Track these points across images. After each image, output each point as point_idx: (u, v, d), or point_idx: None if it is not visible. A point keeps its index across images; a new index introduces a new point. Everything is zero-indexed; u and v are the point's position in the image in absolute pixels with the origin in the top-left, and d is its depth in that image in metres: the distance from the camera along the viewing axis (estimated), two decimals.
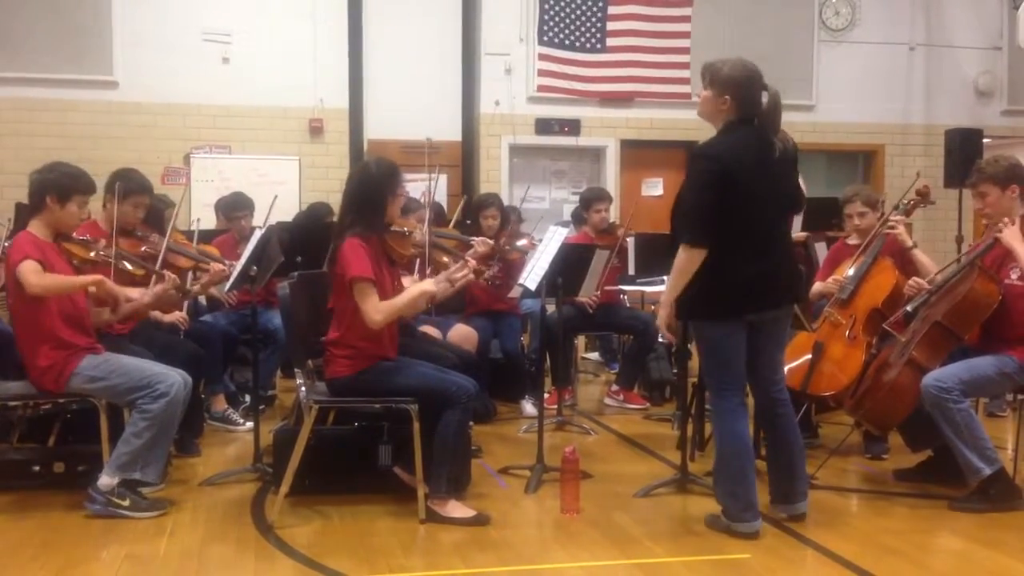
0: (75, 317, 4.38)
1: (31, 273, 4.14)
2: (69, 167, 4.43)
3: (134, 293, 4.61)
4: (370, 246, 4.21)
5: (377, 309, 4.10)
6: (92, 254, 4.57)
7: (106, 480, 4.22)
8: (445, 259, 5.64)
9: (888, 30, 11.94)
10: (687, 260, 3.86)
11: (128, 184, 5.07)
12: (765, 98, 3.93)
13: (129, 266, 4.82)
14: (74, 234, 4.57)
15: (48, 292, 4.21)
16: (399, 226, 4.49)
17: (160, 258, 5.03)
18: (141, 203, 5.20)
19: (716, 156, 3.87)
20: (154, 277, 4.81)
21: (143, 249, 5.12)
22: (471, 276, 4.59)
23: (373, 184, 4.31)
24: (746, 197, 3.82)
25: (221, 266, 5.41)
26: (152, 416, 4.23)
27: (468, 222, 7.06)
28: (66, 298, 4.32)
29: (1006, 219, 4.49)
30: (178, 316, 5.56)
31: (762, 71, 3.99)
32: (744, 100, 3.90)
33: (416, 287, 4.30)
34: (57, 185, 4.32)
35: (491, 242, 6.15)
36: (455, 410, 4.14)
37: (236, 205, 6.77)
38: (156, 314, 5.41)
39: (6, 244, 5.46)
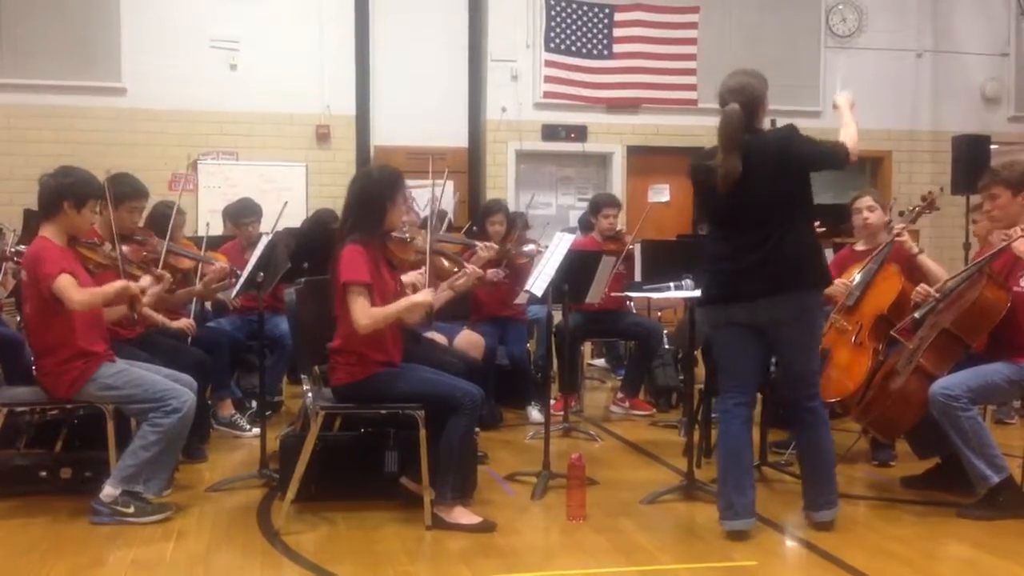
0: (93, 323, 4.38)
1: (72, 289, 4.13)
2: (83, 172, 4.44)
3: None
4: (370, 251, 4.21)
5: (365, 314, 4.08)
6: (101, 257, 4.58)
7: (109, 491, 4.21)
8: (447, 264, 5.63)
9: (895, 36, 11.94)
10: None
11: (122, 189, 5.05)
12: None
13: (132, 268, 4.83)
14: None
15: (87, 308, 4.21)
16: (401, 231, 4.49)
17: (161, 260, 5.04)
18: (137, 208, 5.20)
19: (690, 160, 4.31)
20: (151, 280, 4.84)
21: (144, 253, 5.13)
22: (472, 282, 4.58)
23: (373, 190, 4.31)
24: (698, 198, 4.30)
25: (223, 265, 5.43)
26: (163, 430, 4.24)
27: (474, 228, 7.06)
28: None
29: (1018, 228, 4.46)
30: (185, 323, 5.56)
31: (768, 77, 4.10)
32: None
33: (410, 299, 4.26)
34: (74, 190, 4.32)
35: (496, 247, 6.14)
36: (461, 416, 4.13)
37: (244, 211, 6.78)
38: (163, 320, 5.42)
39: (13, 250, 5.48)
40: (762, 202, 3.99)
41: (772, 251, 3.98)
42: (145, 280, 4.62)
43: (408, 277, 4.67)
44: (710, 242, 4.21)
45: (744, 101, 4.00)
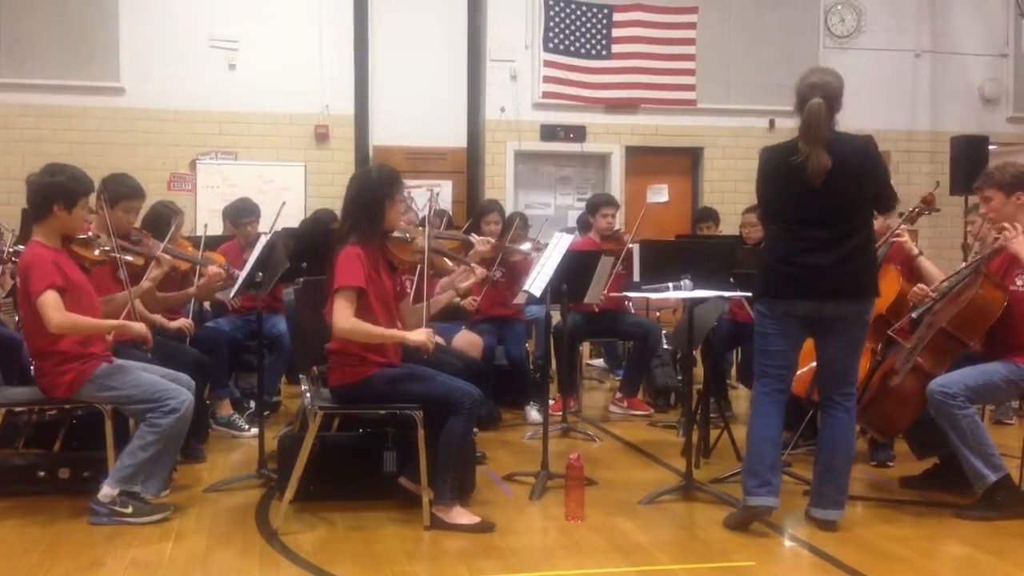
0: None
1: (53, 309, 4.08)
2: (71, 169, 4.37)
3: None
4: (368, 253, 4.20)
5: (347, 320, 4.06)
6: (96, 252, 4.55)
7: (107, 491, 4.21)
8: (450, 263, 5.62)
9: (894, 37, 11.93)
10: None
11: (118, 189, 5.04)
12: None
13: (130, 257, 4.84)
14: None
15: (63, 332, 4.16)
16: (401, 231, 4.47)
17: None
18: (132, 208, 5.18)
19: (761, 153, 4.32)
20: (152, 264, 4.86)
21: (140, 252, 5.13)
22: (476, 282, 4.56)
23: (372, 190, 4.29)
24: (770, 192, 4.23)
25: (217, 269, 5.43)
26: (161, 430, 4.23)
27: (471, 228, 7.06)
28: (82, 305, 4.27)
29: (1007, 224, 4.47)
30: (184, 323, 5.56)
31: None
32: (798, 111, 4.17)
33: (404, 335, 4.20)
34: (64, 191, 4.26)
35: (492, 241, 6.16)
36: (460, 416, 4.13)
37: (242, 211, 6.78)
38: (161, 320, 5.42)
39: (12, 250, 5.48)
40: (842, 201, 4.06)
41: (851, 253, 4.06)
42: (153, 272, 4.73)
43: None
44: (777, 239, 4.22)
45: (825, 96, 4.05)
